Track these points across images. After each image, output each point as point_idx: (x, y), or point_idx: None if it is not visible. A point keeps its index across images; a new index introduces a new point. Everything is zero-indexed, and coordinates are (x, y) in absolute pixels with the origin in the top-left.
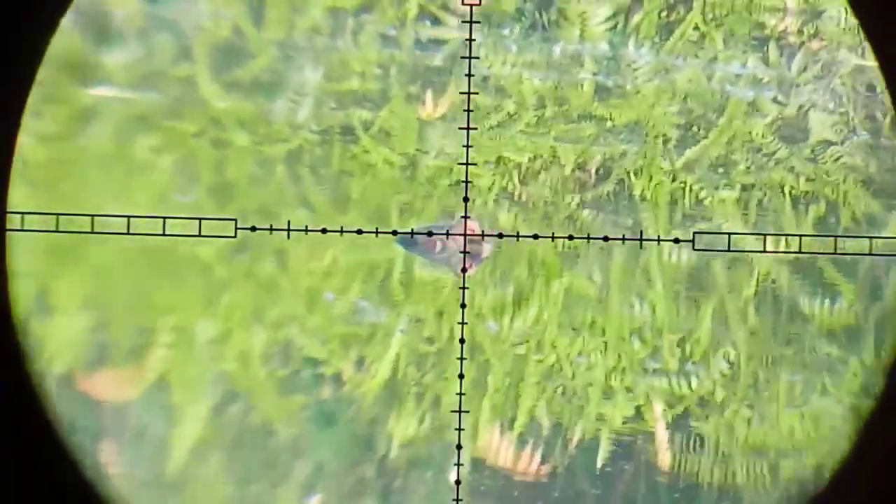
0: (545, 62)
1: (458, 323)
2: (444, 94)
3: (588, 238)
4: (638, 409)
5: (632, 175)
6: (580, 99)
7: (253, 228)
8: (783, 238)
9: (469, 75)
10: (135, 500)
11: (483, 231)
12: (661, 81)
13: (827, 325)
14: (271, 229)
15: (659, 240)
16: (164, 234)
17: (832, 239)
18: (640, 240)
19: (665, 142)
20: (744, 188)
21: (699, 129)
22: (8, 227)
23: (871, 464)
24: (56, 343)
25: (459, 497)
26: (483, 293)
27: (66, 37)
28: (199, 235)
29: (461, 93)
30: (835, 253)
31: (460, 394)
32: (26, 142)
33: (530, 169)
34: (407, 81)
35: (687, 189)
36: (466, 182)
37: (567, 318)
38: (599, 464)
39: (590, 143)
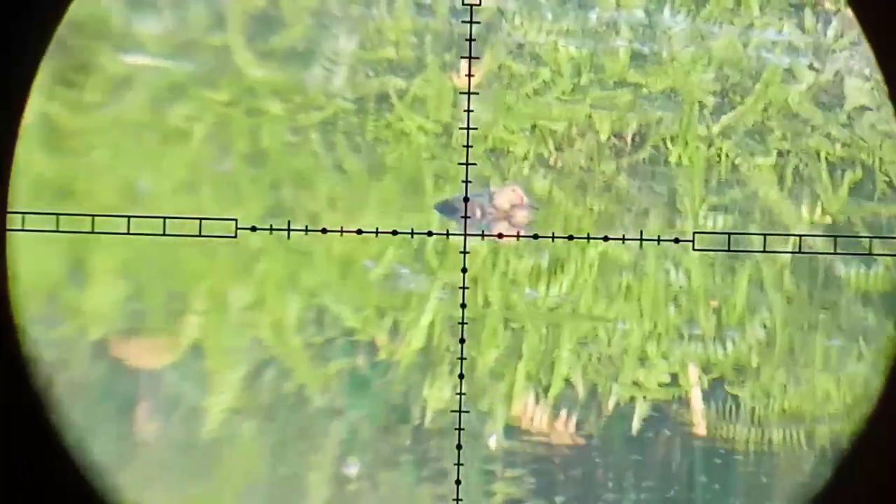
0: (580, 29)
1: (459, 323)
2: (478, 63)
3: (588, 238)
4: (673, 375)
5: (668, 142)
6: (616, 66)
7: (253, 228)
8: (818, 207)
9: (469, 75)
10: (170, 466)
11: (483, 231)
12: (696, 48)
13: (863, 289)
14: (271, 229)
15: (659, 240)
16: (164, 234)
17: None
18: (641, 240)
19: (701, 109)
20: (780, 154)
21: (735, 96)
22: (8, 227)
23: (870, 464)
24: (91, 310)
25: (459, 497)
26: (518, 259)
27: (100, 4)
28: (200, 235)
29: (461, 93)
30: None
31: (460, 394)
32: (58, 111)
33: (566, 136)
34: (441, 50)
35: (723, 156)
36: (467, 182)
37: (603, 285)
38: (635, 430)
39: (626, 111)
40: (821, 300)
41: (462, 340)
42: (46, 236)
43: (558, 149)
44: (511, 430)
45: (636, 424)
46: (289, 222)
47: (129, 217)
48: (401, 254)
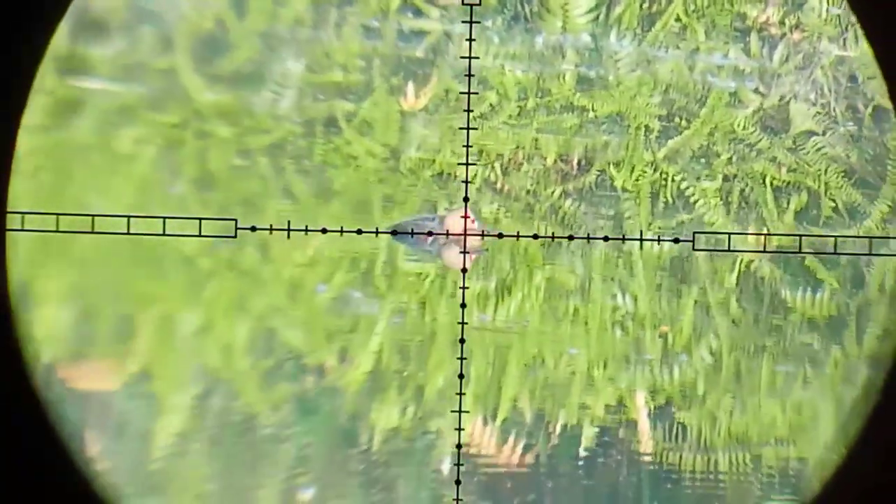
0: (527, 53)
1: (458, 323)
2: (426, 86)
3: (588, 238)
4: (620, 398)
5: (613, 166)
6: (562, 90)
7: (253, 228)
8: (764, 231)
9: (469, 75)
10: (120, 491)
11: (484, 231)
12: (643, 72)
13: (809, 315)
14: (271, 229)
15: (659, 239)
16: (164, 234)
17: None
18: (641, 240)
19: (647, 132)
20: (726, 178)
21: (681, 120)
22: (8, 227)
23: (870, 464)
24: (40, 334)
25: (459, 497)
26: (467, 282)
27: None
28: (200, 235)
29: (461, 92)
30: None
31: (460, 394)
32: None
33: (513, 160)
34: (389, 73)
35: (669, 180)
36: (466, 182)
37: (550, 309)
38: (582, 453)
39: (572, 135)
40: (767, 325)
41: (462, 340)
42: None
43: (505, 173)
44: (461, 454)
45: (583, 448)
46: (288, 222)
47: (128, 217)
48: (351, 277)
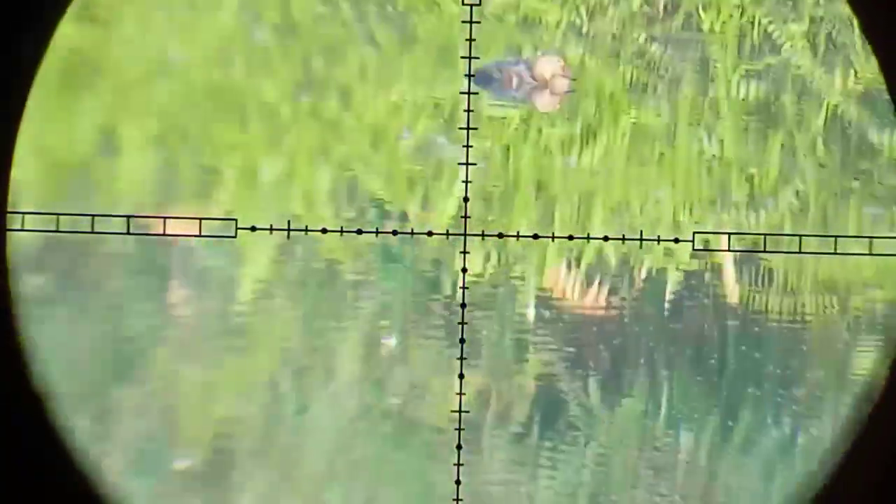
0: None
1: (458, 323)
2: None
3: (588, 238)
4: (706, 242)
5: (701, 9)
6: None
7: (253, 228)
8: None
9: (469, 75)
10: (204, 338)
11: (483, 231)
12: None
13: None
14: (271, 229)
15: (659, 239)
16: (163, 234)
17: None
18: (640, 240)
19: None
20: (812, 21)
21: None
22: (8, 227)
23: (870, 464)
24: (124, 183)
25: (460, 497)
26: (553, 127)
27: None
28: (200, 235)
29: (461, 92)
30: None
31: (460, 394)
32: None
33: (598, 4)
34: None
35: (756, 22)
36: (467, 182)
37: (636, 153)
38: (668, 297)
39: None
40: (854, 168)
41: (462, 340)
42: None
43: (590, 17)
44: (543, 300)
45: (669, 293)
46: (289, 222)
47: (128, 217)
48: (433, 124)
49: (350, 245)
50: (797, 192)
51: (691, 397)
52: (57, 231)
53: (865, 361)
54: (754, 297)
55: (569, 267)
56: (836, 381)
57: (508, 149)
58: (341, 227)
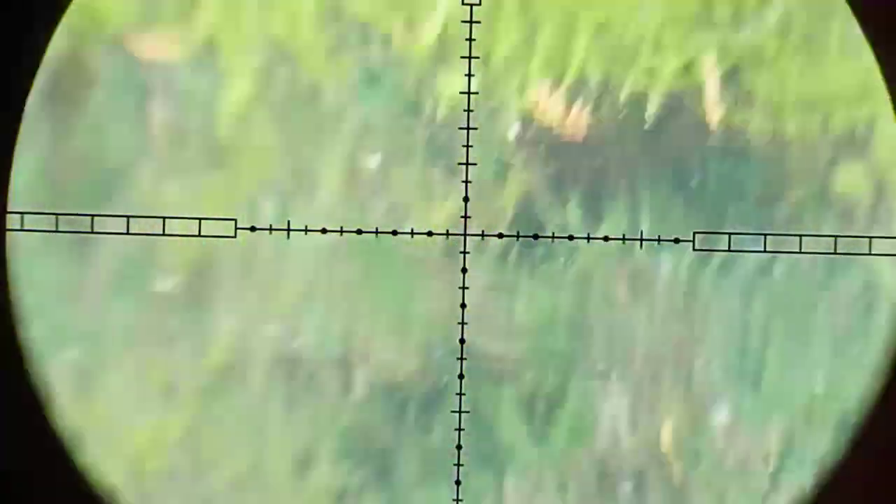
0: None
1: (458, 323)
2: None
3: (588, 238)
4: (689, 62)
5: None
6: None
7: (252, 228)
8: None
9: (469, 75)
10: (185, 159)
11: (483, 231)
12: None
13: None
14: (271, 229)
15: (659, 239)
16: (163, 234)
17: None
18: (641, 240)
19: None
20: None
21: None
22: (8, 227)
23: (870, 463)
24: (105, 3)
25: (460, 498)
26: None
27: None
28: (200, 235)
29: (461, 92)
30: None
31: (460, 394)
32: None
33: None
34: None
35: None
36: (467, 182)
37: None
38: (648, 119)
39: None
40: None
41: (462, 340)
42: None
43: None
44: (525, 121)
45: (650, 113)
46: (288, 222)
47: (128, 217)
48: None
49: (331, 67)
50: (781, 12)
51: (671, 217)
52: (57, 231)
53: (846, 179)
54: (736, 117)
55: (550, 88)
56: (816, 200)
57: None
58: (341, 228)
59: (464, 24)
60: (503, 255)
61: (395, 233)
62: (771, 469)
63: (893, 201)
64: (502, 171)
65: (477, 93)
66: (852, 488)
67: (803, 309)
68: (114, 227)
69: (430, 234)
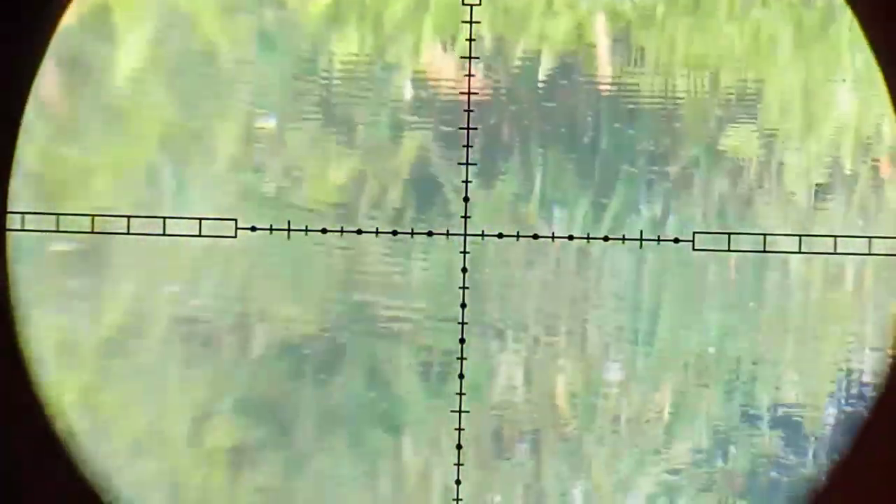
0: None
1: (458, 323)
2: None
3: (588, 238)
4: (580, 23)
5: None
6: None
7: (253, 228)
8: None
9: (469, 75)
10: (80, 123)
11: (483, 231)
12: None
13: None
14: (271, 229)
15: (659, 239)
16: (164, 234)
17: None
18: (640, 240)
19: None
20: None
21: None
22: (8, 227)
23: (870, 463)
24: None
25: (460, 497)
26: None
27: None
28: (200, 235)
29: (461, 93)
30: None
31: (460, 393)
32: None
33: None
34: None
35: None
36: (467, 182)
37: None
38: (542, 77)
39: None
40: None
41: (462, 340)
42: None
43: None
44: (418, 81)
45: (543, 73)
46: (289, 222)
47: (128, 217)
48: None
49: (227, 28)
50: None
51: (565, 177)
52: (57, 231)
53: (735, 138)
54: (628, 76)
55: (444, 48)
56: (707, 158)
57: None
58: (341, 228)
59: (464, 24)
60: (396, 221)
61: (395, 233)
62: (663, 424)
63: (782, 159)
64: (398, 132)
65: (476, 93)
66: (852, 488)
67: (696, 270)
68: (114, 227)
69: (429, 233)
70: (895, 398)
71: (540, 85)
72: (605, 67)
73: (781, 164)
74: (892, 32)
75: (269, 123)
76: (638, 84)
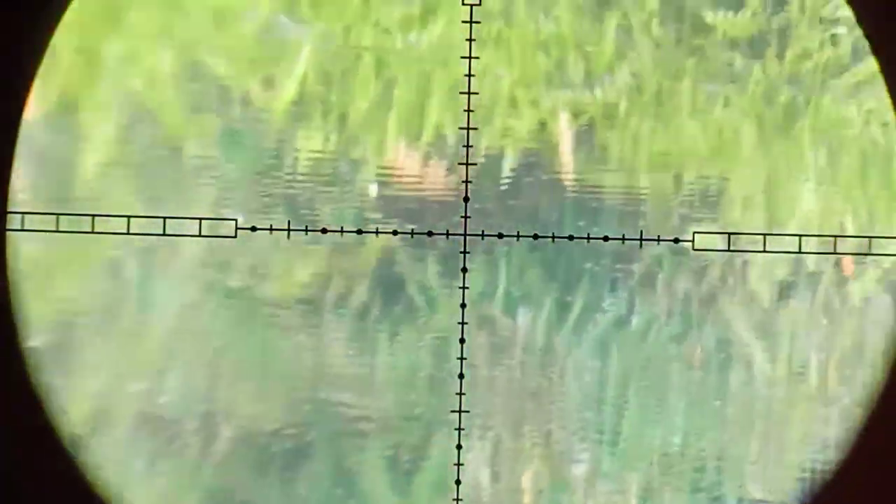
0: None
1: (459, 323)
2: None
3: (587, 238)
4: (543, 121)
5: None
6: None
7: (253, 228)
8: None
9: (469, 75)
10: (43, 215)
11: (483, 231)
12: None
13: (730, 34)
14: (271, 229)
15: (659, 239)
16: (164, 234)
17: None
18: (640, 240)
19: None
20: None
21: None
22: (8, 227)
23: (870, 463)
24: None
25: (460, 497)
26: (389, 6)
27: None
28: (200, 235)
29: (461, 92)
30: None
31: (460, 393)
32: None
33: None
34: None
35: None
36: (467, 182)
37: (474, 32)
38: (505, 175)
39: None
40: (689, 45)
41: (462, 340)
42: None
43: None
44: (383, 179)
45: (507, 170)
46: (289, 222)
47: (128, 217)
48: (277, 2)
49: (193, 124)
50: (632, 70)
51: (529, 274)
52: (57, 231)
53: (699, 234)
54: (591, 173)
55: (409, 146)
56: (671, 254)
57: (349, 28)
58: (341, 228)
59: (464, 24)
60: (363, 315)
61: (395, 233)
62: None
63: (745, 254)
64: (367, 223)
65: (476, 93)
66: (852, 488)
67: (660, 364)
68: (114, 228)
69: (430, 234)
70: (895, 399)
71: (503, 182)
72: (568, 164)
73: (745, 262)
74: (893, 32)
75: (238, 220)
76: (601, 181)
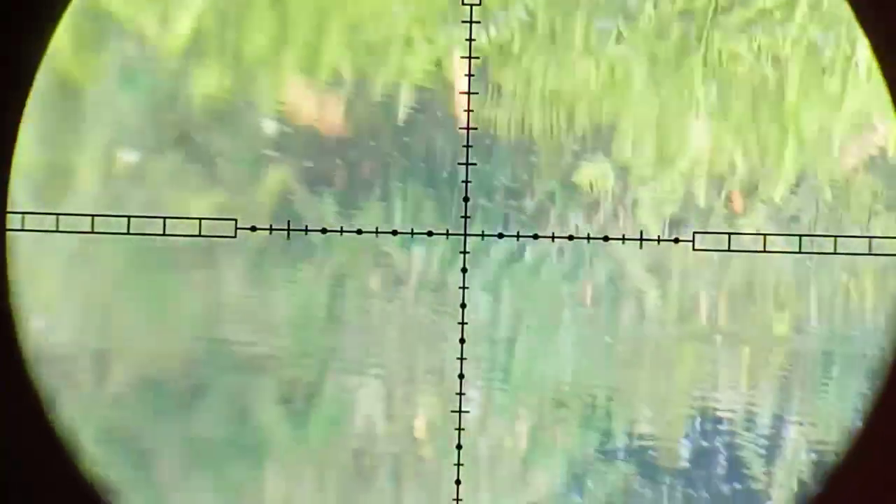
0: None
1: (459, 323)
2: None
3: (588, 238)
4: (438, 59)
5: None
6: None
7: (253, 228)
8: None
9: (469, 75)
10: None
11: (483, 232)
12: None
13: None
14: (271, 229)
15: (659, 240)
16: (164, 234)
17: None
18: (640, 240)
19: None
20: None
21: None
22: (8, 227)
23: (870, 463)
24: None
25: (460, 497)
26: None
27: None
28: (200, 235)
29: (461, 93)
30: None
31: (460, 393)
32: None
33: None
34: None
35: None
36: (467, 182)
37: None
38: (401, 114)
39: None
40: None
41: (462, 340)
42: None
43: None
44: (280, 118)
45: (402, 112)
46: (288, 222)
47: (129, 217)
48: None
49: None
50: (526, 7)
51: (424, 212)
52: (57, 231)
53: (589, 171)
54: (485, 113)
55: (306, 83)
56: (562, 191)
57: None
58: (341, 227)
59: (464, 23)
60: (264, 250)
61: (395, 233)
62: (521, 455)
63: (636, 194)
64: (262, 164)
65: (476, 93)
66: (852, 488)
67: (551, 299)
68: (114, 227)
69: (430, 233)
70: (894, 400)
71: (399, 121)
72: (461, 104)
73: (635, 200)
74: (892, 31)
75: (131, 157)
76: (494, 120)
